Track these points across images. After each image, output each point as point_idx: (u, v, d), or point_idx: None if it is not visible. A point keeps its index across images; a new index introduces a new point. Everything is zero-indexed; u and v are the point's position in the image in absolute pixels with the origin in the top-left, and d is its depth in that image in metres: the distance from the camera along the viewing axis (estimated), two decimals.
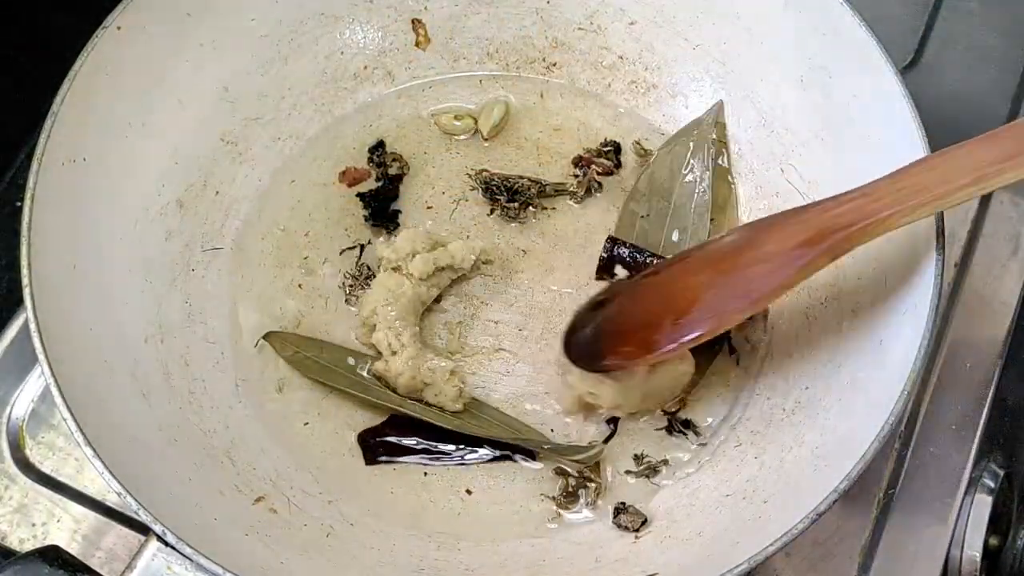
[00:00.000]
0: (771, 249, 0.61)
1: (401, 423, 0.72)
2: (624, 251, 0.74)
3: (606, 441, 0.71)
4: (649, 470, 0.70)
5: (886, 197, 0.58)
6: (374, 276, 0.75)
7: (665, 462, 0.70)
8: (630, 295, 0.68)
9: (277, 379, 0.73)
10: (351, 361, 0.73)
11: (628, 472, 0.70)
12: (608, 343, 0.68)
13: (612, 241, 0.75)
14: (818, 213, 0.61)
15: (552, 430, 0.72)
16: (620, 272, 0.74)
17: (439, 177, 0.81)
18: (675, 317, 0.64)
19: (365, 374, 0.73)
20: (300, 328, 0.75)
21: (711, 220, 0.77)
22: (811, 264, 0.60)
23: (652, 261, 0.73)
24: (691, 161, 0.78)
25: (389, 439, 0.71)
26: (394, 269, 0.73)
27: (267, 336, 0.73)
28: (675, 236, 0.77)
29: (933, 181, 0.57)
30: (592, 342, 0.68)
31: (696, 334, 0.63)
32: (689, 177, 0.78)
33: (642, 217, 0.78)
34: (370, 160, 0.81)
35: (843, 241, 0.59)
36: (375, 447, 0.71)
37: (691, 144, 0.79)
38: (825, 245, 0.60)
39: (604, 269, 0.75)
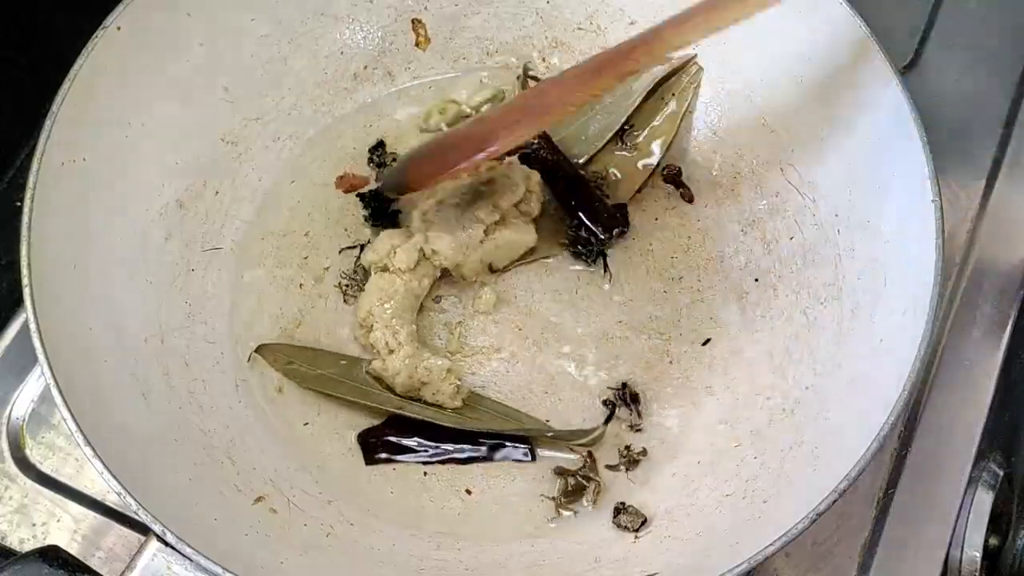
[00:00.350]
0: (566, 77, 0.71)
1: (401, 423, 0.72)
2: (535, 141, 0.78)
3: (606, 422, 0.71)
4: (629, 462, 0.71)
5: (664, 30, 0.67)
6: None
7: (644, 452, 0.71)
8: (439, 137, 0.77)
9: (277, 379, 0.73)
10: (345, 365, 0.73)
11: (608, 466, 0.71)
12: (412, 169, 0.75)
13: (544, 138, 0.79)
14: (606, 52, 0.70)
15: (549, 421, 0.72)
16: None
17: None
18: (473, 141, 0.71)
19: (362, 377, 0.73)
20: (300, 328, 0.75)
21: (631, 125, 0.80)
22: (599, 82, 0.68)
23: (556, 159, 0.78)
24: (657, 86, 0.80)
25: (389, 439, 0.71)
26: (383, 269, 0.73)
27: (259, 349, 0.73)
28: (592, 128, 0.81)
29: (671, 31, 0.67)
30: (399, 171, 0.77)
31: (492, 147, 0.69)
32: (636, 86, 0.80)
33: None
34: (370, 160, 0.81)
35: (624, 63, 0.67)
36: (375, 447, 0.71)
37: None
38: (609, 69, 0.68)
39: (525, 159, 0.78)
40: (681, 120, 0.80)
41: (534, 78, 0.83)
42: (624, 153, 0.80)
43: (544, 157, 0.78)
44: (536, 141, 0.78)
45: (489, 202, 0.74)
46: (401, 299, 0.72)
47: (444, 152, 0.73)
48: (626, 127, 0.80)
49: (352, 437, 0.72)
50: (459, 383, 0.72)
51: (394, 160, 0.81)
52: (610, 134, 0.80)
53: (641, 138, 0.80)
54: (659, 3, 0.80)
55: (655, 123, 0.80)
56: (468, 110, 0.83)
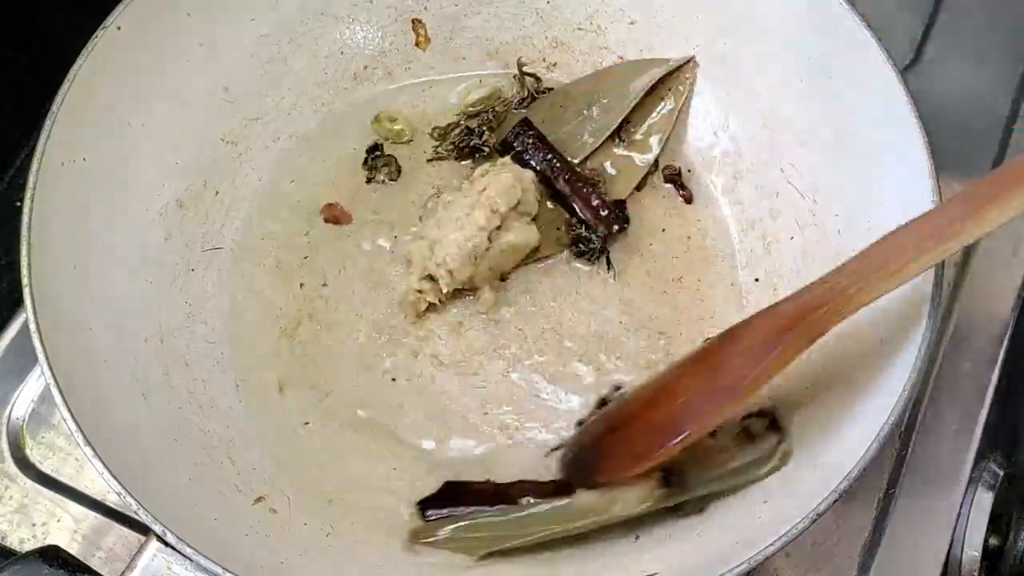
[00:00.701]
0: (747, 343, 0.63)
1: (456, 492, 0.70)
2: (528, 141, 0.78)
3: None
4: None
5: (852, 275, 0.60)
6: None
7: None
8: (620, 411, 0.70)
9: (277, 379, 0.73)
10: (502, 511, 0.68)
11: None
12: (607, 460, 0.68)
13: (525, 124, 0.78)
14: (791, 301, 0.63)
15: (551, 422, 0.72)
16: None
17: (439, 177, 0.81)
18: (665, 422, 0.65)
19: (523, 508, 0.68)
20: (300, 328, 0.75)
21: (628, 122, 0.80)
22: (788, 349, 0.61)
23: (551, 158, 0.77)
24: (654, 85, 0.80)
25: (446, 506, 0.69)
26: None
27: (412, 536, 0.68)
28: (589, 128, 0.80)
29: (892, 253, 0.60)
30: (590, 459, 0.69)
31: (685, 435, 0.63)
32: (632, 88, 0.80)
33: (560, 107, 0.81)
34: (366, 162, 0.81)
35: (816, 323, 0.61)
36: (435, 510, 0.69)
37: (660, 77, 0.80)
38: (799, 329, 0.61)
39: (505, 148, 0.78)
40: (678, 116, 0.80)
41: (530, 75, 0.83)
42: (622, 151, 0.80)
43: (537, 157, 0.78)
44: (529, 138, 0.78)
45: (487, 207, 0.74)
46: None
47: (635, 438, 0.66)
48: (623, 124, 0.80)
49: (353, 436, 0.72)
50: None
51: (386, 166, 0.80)
52: (607, 133, 0.80)
53: (639, 135, 0.80)
54: (659, 3, 0.81)
55: (652, 119, 0.80)
56: (400, 127, 0.82)
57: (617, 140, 0.80)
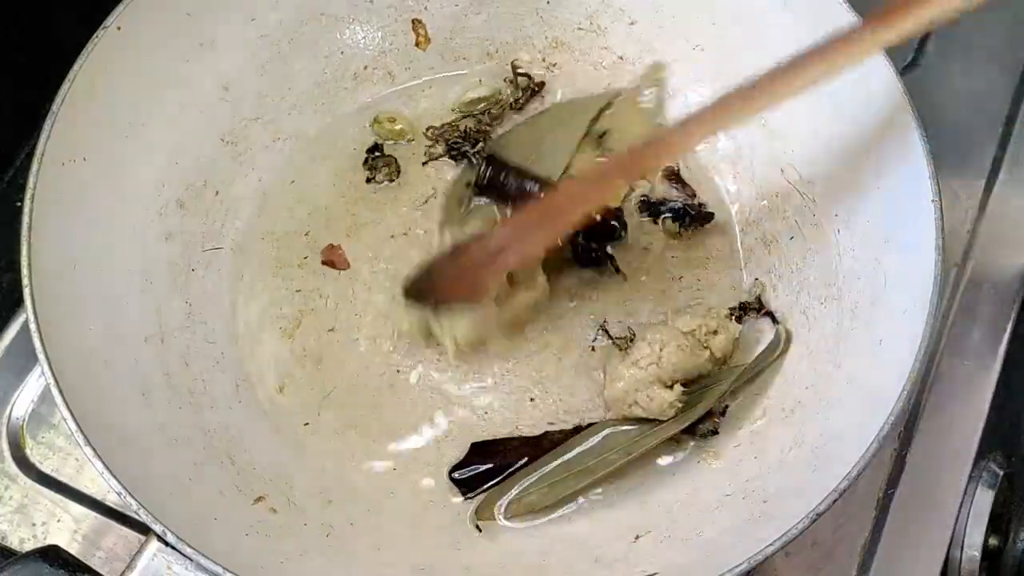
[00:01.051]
0: (571, 185, 0.72)
1: (481, 450, 0.71)
2: (502, 176, 0.77)
3: None
4: None
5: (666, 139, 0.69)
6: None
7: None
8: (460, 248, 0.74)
9: (277, 379, 0.73)
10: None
11: None
12: (439, 285, 0.73)
13: (491, 160, 0.78)
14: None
15: (552, 424, 0.72)
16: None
17: (438, 178, 0.81)
18: (494, 253, 0.70)
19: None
20: (300, 328, 0.75)
21: (607, 131, 0.80)
22: (607, 184, 0.70)
23: (527, 185, 0.77)
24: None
25: (477, 468, 0.71)
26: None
27: (481, 514, 0.69)
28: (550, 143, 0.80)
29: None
30: (423, 281, 0.73)
31: (510, 259, 0.70)
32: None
33: (525, 138, 0.80)
34: (366, 162, 0.81)
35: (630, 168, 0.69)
36: (471, 482, 0.70)
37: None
38: (618, 170, 0.70)
39: (482, 189, 0.78)
40: (654, 118, 0.80)
41: (525, 75, 0.83)
42: (604, 159, 0.80)
43: (514, 184, 0.77)
44: (502, 173, 0.77)
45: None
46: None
47: (465, 268, 0.72)
48: (604, 134, 0.80)
49: (354, 436, 0.72)
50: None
51: (385, 166, 0.80)
52: (575, 145, 0.79)
53: (619, 141, 0.80)
54: (659, 3, 0.81)
55: (629, 125, 0.80)
56: (400, 127, 0.82)
57: (598, 149, 0.80)
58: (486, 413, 0.73)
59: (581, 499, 0.69)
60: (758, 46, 0.77)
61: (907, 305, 0.64)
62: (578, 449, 0.71)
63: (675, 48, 0.81)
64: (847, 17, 0.71)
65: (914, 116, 0.67)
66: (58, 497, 0.74)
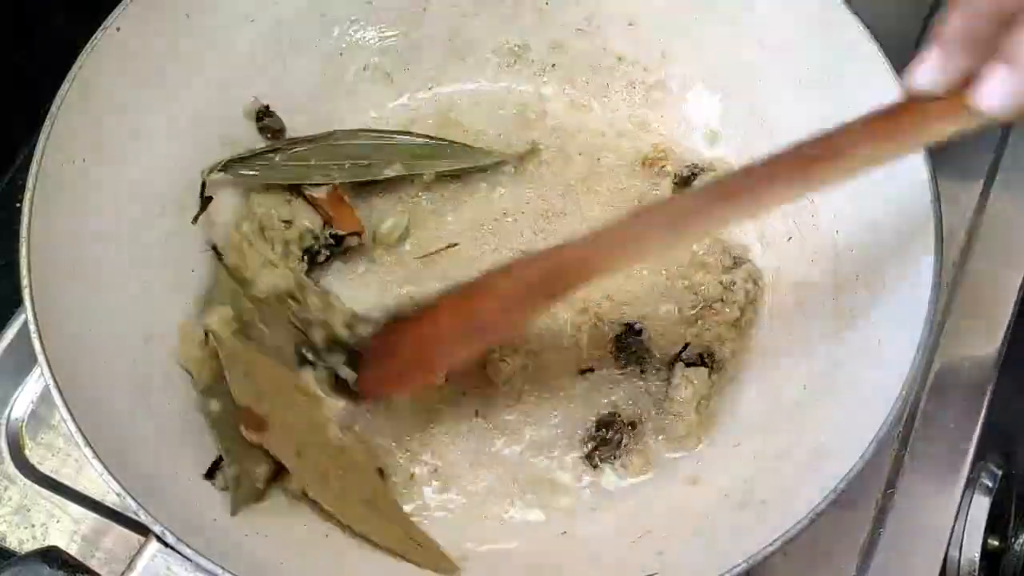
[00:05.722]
0: (502, 291, 0.65)
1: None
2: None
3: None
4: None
5: (595, 244, 0.61)
6: None
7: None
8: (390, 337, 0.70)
9: None
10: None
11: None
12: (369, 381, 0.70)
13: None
14: (543, 257, 0.64)
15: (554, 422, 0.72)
16: None
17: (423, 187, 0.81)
18: (423, 350, 0.68)
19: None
20: None
21: None
22: (533, 305, 0.64)
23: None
24: None
25: None
26: None
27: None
28: None
29: (632, 231, 0.61)
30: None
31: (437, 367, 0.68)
32: None
33: None
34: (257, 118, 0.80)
35: (558, 284, 0.63)
36: None
37: None
38: (544, 287, 0.63)
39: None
40: None
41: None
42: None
43: None
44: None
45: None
46: None
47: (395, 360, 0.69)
48: None
49: (352, 436, 0.71)
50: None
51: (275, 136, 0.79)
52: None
53: None
54: (659, 4, 0.81)
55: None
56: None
57: None
58: (473, 420, 0.73)
59: None
60: (757, 47, 0.78)
61: (906, 306, 0.64)
62: None
63: (675, 49, 0.81)
64: (847, 17, 0.71)
65: None
66: (57, 498, 0.73)
